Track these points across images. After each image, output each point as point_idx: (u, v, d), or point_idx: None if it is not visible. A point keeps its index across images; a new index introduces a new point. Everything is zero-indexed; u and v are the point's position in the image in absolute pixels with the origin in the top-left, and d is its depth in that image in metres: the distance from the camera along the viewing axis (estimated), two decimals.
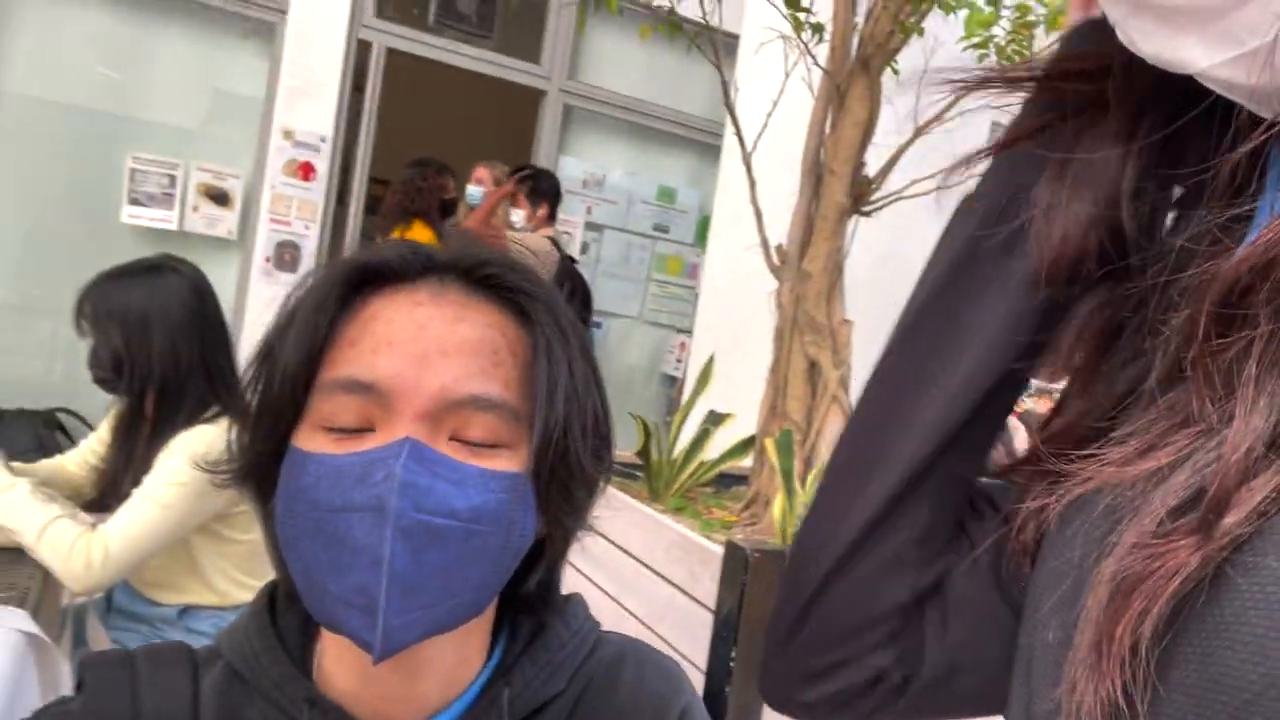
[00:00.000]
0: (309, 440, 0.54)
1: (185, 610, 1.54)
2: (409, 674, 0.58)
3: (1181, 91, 0.35)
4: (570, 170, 4.14)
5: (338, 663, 0.59)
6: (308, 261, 3.64)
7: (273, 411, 0.55)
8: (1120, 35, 0.35)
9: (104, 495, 1.52)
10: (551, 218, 3.48)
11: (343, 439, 0.53)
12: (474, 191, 3.75)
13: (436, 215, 3.68)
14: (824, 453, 1.73)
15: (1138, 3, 0.32)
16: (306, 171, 3.64)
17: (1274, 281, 0.28)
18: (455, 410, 0.54)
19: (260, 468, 0.57)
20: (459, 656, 0.60)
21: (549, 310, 0.58)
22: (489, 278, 0.58)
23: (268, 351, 0.57)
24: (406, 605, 0.51)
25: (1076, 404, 0.41)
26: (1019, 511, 0.41)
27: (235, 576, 1.56)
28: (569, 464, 0.57)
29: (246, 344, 0.63)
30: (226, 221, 3.57)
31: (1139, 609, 0.28)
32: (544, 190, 3.45)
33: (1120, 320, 0.41)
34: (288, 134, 3.59)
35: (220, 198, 3.58)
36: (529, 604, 0.65)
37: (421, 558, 0.51)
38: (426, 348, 0.54)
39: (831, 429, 1.75)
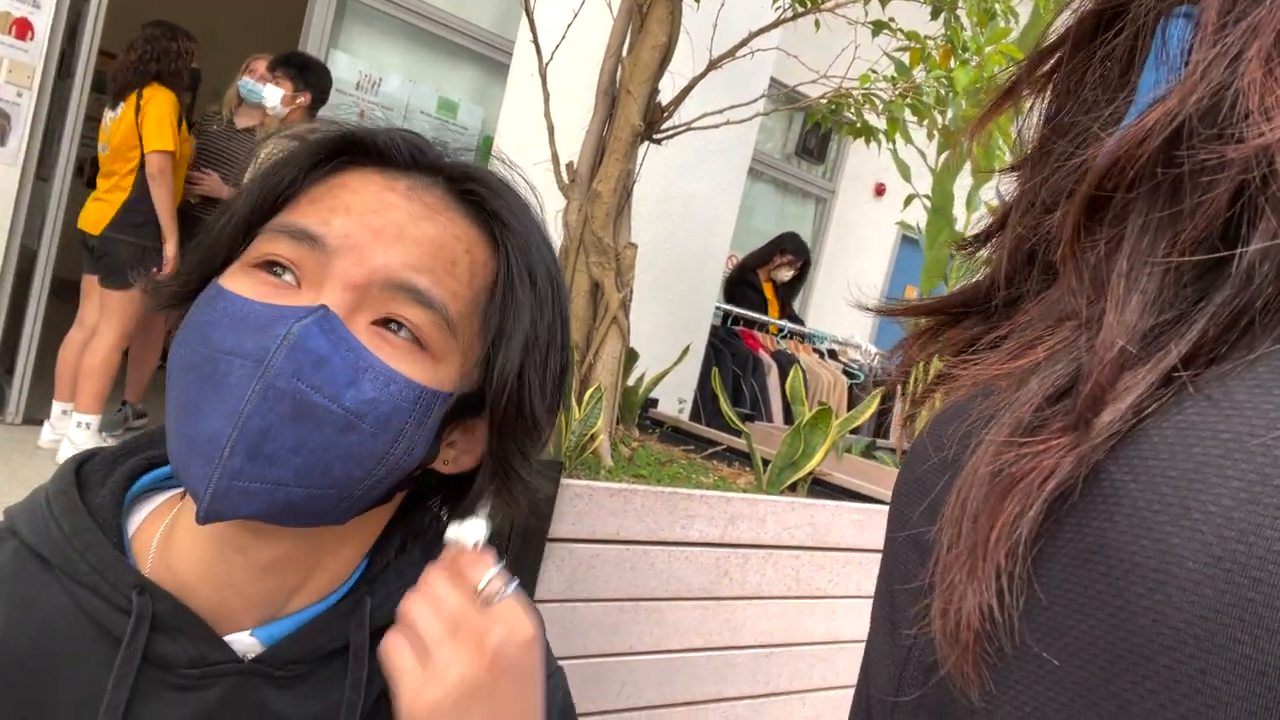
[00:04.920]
0: (231, 279, 0.51)
1: None
2: (253, 569, 0.54)
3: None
4: (342, 68, 3.84)
5: (180, 545, 0.54)
6: (19, 134, 3.13)
7: (209, 247, 0.54)
8: None
9: None
10: (311, 112, 3.19)
11: (265, 287, 0.51)
12: (249, 85, 3.37)
13: (184, 83, 3.28)
14: (601, 373, 1.75)
15: None
16: (22, 29, 3.12)
17: (1147, 170, 0.28)
18: (389, 294, 0.51)
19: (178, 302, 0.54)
20: (314, 564, 0.56)
21: (523, 244, 0.56)
22: (471, 192, 0.55)
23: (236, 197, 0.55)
24: (249, 469, 0.47)
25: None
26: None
27: None
28: (524, 414, 0.54)
29: None
30: None
31: (1014, 511, 0.27)
32: (312, 81, 3.16)
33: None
34: None
35: None
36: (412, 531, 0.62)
37: (283, 430, 0.48)
38: (385, 226, 0.51)
39: (610, 350, 1.77)
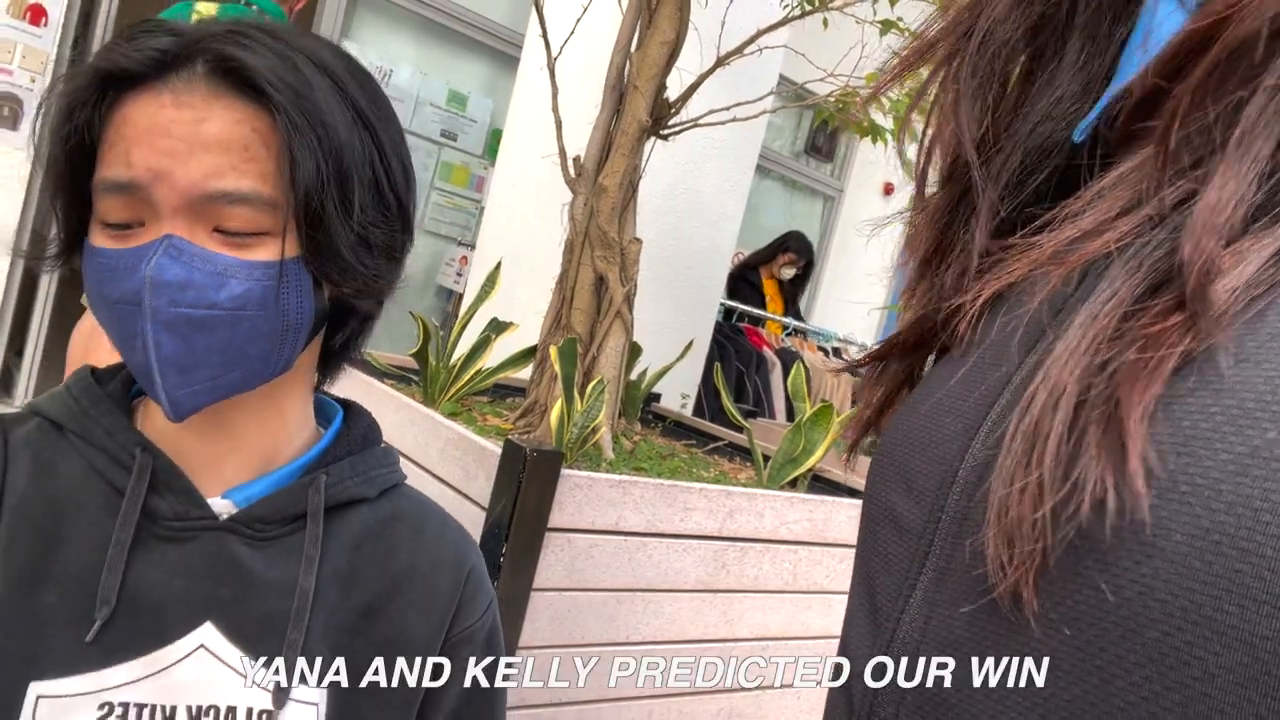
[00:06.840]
0: (95, 236, 0.58)
1: None
2: (214, 434, 0.64)
3: None
4: None
5: (160, 419, 0.63)
6: (32, 119, 3.15)
7: (63, 219, 0.60)
8: None
9: None
10: None
11: (118, 235, 0.57)
12: None
13: None
14: (604, 366, 1.76)
15: None
16: (37, 15, 3.14)
17: None
18: (210, 205, 0.56)
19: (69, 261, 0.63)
20: (267, 422, 0.65)
21: (293, 95, 0.57)
22: (230, 69, 0.57)
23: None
24: (186, 381, 0.57)
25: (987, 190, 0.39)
26: (922, 328, 0.39)
27: None
28: (329, 237, 0.58)
29: None
30: None
31: (1142, 391, 0.26)
32: None
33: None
34: None
35: None
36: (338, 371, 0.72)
37: (191, 343, 0.56)
38: (174, 146, 0.55)
39: (613, 344, 1.78)
